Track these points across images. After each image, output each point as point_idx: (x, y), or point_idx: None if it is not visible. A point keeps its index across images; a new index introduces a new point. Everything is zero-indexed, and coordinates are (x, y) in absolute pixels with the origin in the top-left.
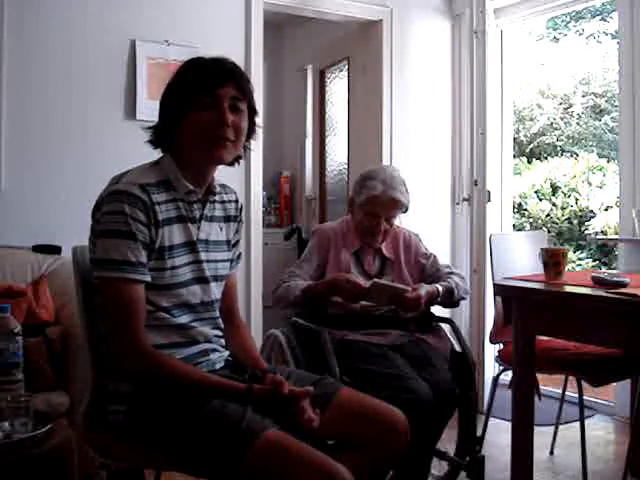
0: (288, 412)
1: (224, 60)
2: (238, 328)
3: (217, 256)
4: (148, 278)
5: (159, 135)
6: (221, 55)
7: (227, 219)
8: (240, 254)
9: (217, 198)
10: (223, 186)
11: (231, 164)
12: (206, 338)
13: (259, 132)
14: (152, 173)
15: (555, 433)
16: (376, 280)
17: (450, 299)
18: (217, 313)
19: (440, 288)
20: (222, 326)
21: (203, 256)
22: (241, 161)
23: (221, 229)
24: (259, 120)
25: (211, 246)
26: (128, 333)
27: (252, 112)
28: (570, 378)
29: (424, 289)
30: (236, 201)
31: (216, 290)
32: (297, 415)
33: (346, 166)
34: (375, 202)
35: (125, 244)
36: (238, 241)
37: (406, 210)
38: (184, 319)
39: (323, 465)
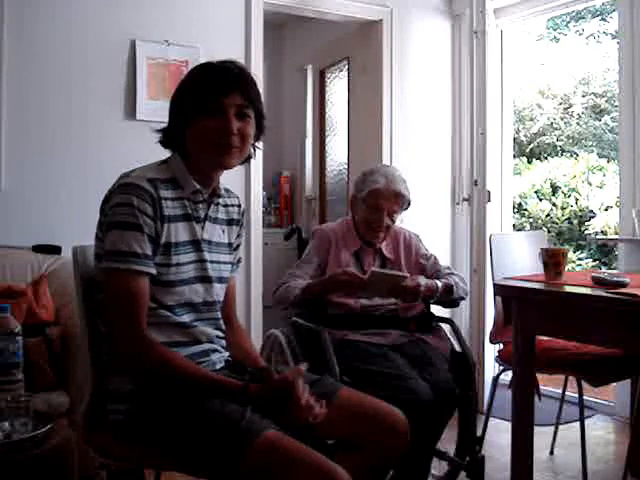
0: (285, 403)
1: (232, 67)
2: (236, 330)
3: (220, 257)
4: (153, 270)
5: (169, 135)
6: (230, 59)
7: (229, 222)
8: (240, 258)
9: (221, 201)
10: (227, 190)
11: (241, 163)
12: (208, 338)
13: None
14: (161, 171)
15: (555, 433)
16: (374, 269)
17: (449, 297)
18: (219, 314)
19: (439, 284)
20: (224, 327)
21: (207, 256)
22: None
23: (223, 232)
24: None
25: (214, 247)
26: (129, 324)
27: (259, 116)
28: (570, 378)
29: (423, 279)
30: (239, 205)
31: (219, 291)
32: (295, 406)
33: (346, 166)
34: (378, 195)
35: (132, 236)
36: (239, 245)
37: (408, 206)
38: (186, 318)
39: (322, 466)
